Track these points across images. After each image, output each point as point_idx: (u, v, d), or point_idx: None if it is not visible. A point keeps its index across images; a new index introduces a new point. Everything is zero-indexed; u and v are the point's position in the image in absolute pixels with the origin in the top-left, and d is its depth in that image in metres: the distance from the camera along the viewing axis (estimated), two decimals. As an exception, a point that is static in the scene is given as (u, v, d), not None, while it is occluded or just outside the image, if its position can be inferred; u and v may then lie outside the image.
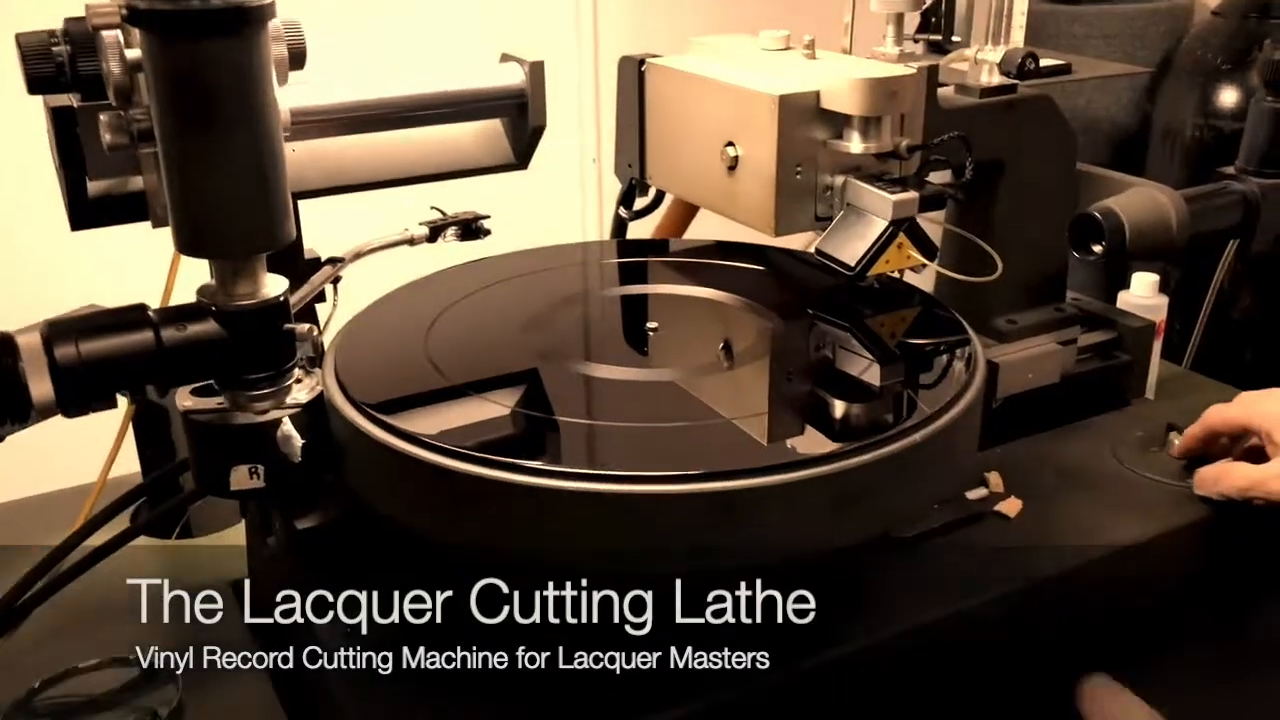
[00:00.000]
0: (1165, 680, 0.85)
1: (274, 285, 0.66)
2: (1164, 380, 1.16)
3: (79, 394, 0.61)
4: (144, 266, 0.95)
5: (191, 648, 0.89)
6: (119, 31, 0.59)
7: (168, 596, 0.96)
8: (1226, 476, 0.87)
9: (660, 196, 1.08)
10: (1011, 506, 0.90)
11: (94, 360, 0.60)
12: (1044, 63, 1.05)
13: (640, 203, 1.07)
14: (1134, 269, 1.18)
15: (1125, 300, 1.17)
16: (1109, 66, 1.18)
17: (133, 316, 0.62)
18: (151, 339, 0.62)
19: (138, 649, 0.86)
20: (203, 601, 0.95)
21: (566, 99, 2.04)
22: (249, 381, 0.66)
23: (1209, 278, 1.46)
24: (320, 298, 0.85)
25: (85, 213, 0.73)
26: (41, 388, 0.59)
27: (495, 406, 0.72)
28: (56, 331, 0.60)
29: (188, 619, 0.93)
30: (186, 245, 0.62)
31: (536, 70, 0.81)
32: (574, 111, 2.04)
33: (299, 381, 0.73)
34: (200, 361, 0.64)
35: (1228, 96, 1.76)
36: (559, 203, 2.11)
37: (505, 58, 0.83)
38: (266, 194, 0.61)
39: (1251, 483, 0.85)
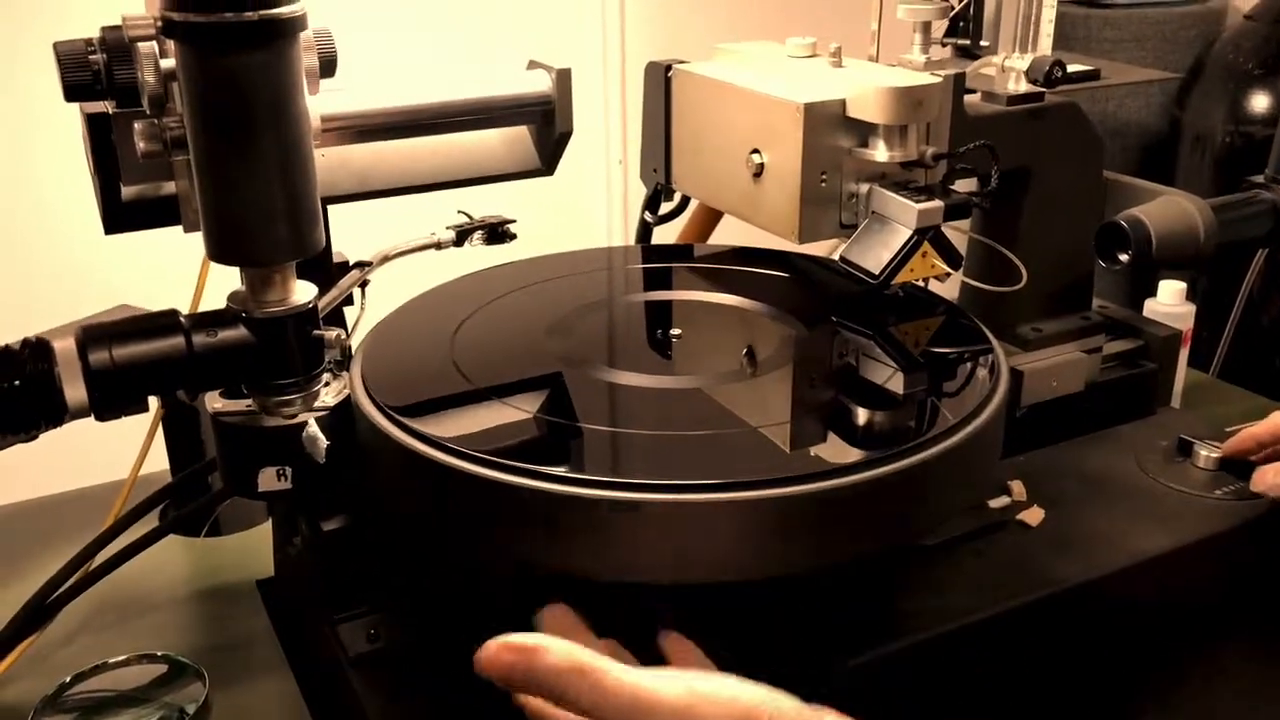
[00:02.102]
0: (1189, 692, 0.85)
1: (303, 292, 0.67)
2: (1190, 389, 1.16)
3: (112, 398, 0.62)
4: (174, 268, 0.97)
5: (218, 645, 0.90)
6: (154, 42, 0.60)
7: (196, 594, 0.98)
8: None
9: (685, 202, 1.08)
10: (1034, 515, 0.90)
11: (127, 365, 0.61)
12: (1072, 68, 1.05)
13: (665, 208, 1.08)
14: (1161, 277, 1.18)
15: (1152, 308, 1.17)
16: (1138, 72, 1.17)
17: (164, 322, 0.63)
18: (183, 344, 0.63)
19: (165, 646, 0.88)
20: (229, 599, 0.97)
21: (592, 104, 2.05)
22: (278, 386, 0.67)
23: (1237, 285, 1.45)
24: (348, 301, 0.86)
25: (119, 216, 0.74)
26: (76, 392, 0.60)
27: (518, 412, 0.73)
28: (90, 337, 0.61)
29: (215, 617, 0.95)
30: (218, 253, 0.63)
31: (563, 77, 0.82)
32: (599, 116, 2.05)
33: (326, 385, 0.74)
34: (230, 367, 0.65)
35: (1259, 102, 1.74)
36: (583, 206, 2.12)
37: (532, 65, 0.84)
38: (297, 203, 0.62)
39: None
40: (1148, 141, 1.88)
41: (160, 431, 1.04)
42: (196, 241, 0.79)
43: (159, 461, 1.05)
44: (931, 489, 0.69)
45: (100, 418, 0.62)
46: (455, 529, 0.70)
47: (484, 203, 0.93)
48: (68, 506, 1.10)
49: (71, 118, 0.72)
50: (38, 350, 0.60)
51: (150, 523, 0.95)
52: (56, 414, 0.60)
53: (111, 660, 0.87)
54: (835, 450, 0.71)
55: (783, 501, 0.63)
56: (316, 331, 0.66)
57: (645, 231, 1.09)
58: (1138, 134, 1.84)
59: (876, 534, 0.69)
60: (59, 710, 0.83)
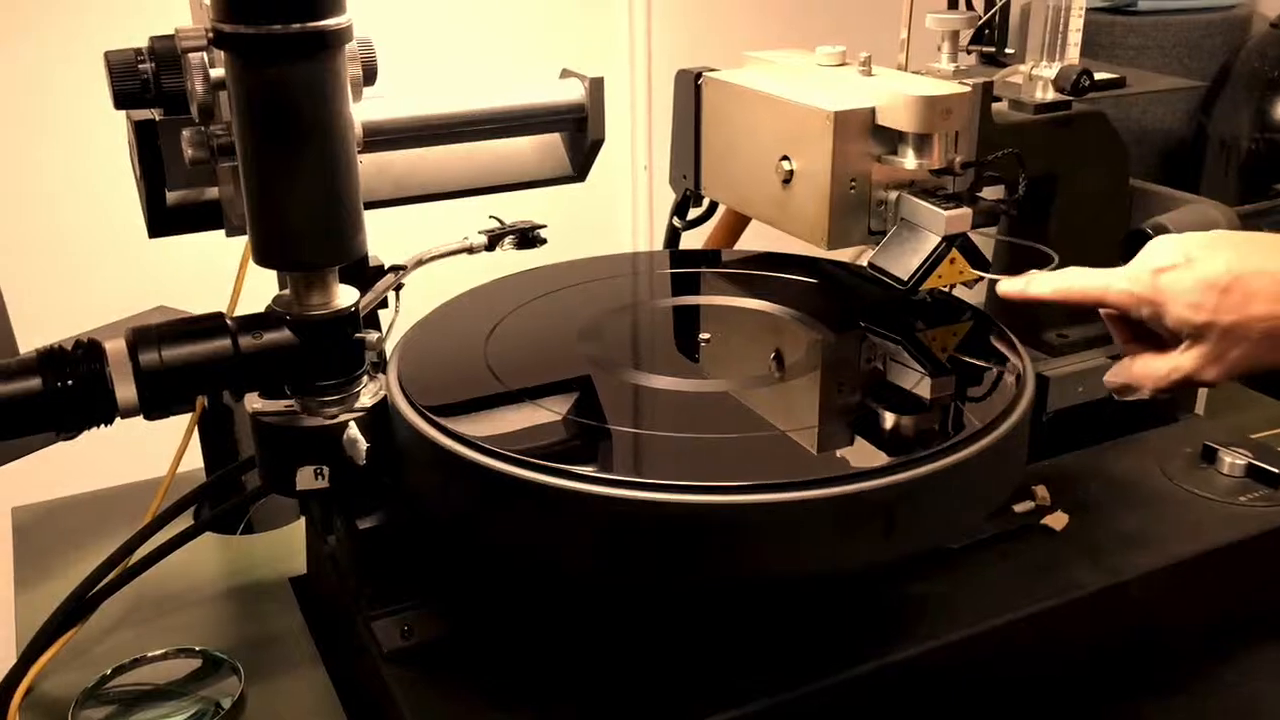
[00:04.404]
0: (1212, 697, 0.86)
1: (346, 296, 0.68)
2: (1214, 395, 1.16)
3: (161, 397, 0.63)
4: (210, 271, 0.98)
5: (252, 640, 0.92)
6: (204, 53, 0.62)
7: (230, 591, 0.99)
8: (1154, 371, 0.74)
9: (713, 207, 1.09)
10: (1058, 520, 0.91)
11: (176, 366, 0.63)
12: (1098, 76, 1.05)
13: (693, 213, 1.09)
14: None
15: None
16: (1163, 80, 1.18)
17: (212, 324, 0.65)
18: (229, 346, 0.64)
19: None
20: (263, 596, 0.98)
21: (619, 110, 2.06)
22: (319, 388, 0.69)
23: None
24: (383, 304, 0.88)
25: (163, 220, 0.75)
26: (126, 391, 0.62)
27: (549, 413, 0.74)
28: (141, 338, 0.63)
29: (249, 613, 0.97)
30: (264, 258, 0.64)
31: (596, 86, 0.83)
32: (626, 122, 2.06)
33: (363, 386, 0.75)
34: (274, 368, 0.67)
35: (1286, 109, 1.74)
36: (610, 212, 2.13)
37: (565, 73, 0.85)
38: (341, 209, 0.63)
39: (1183, 373, 0.72)
40: (1172, 148, 1.87)
41: (196, 431, 1.06)
42: (232, 245, 0.81)
43: (193, 459, 1.07)
44: (957, 493, 0.70)
45: (149, 417, 0.63)
46: (488, 528, 0.71)
47: (513, 209, 0.94)
48: (106, 503, 1.12)
49: (117, 126, 0.74)
50: (90, 351, 0.62)
51: (186, 520, 0.97)
52: (108, 413, 0.62)
53: (149, 654, 0.88)
54: (860, 455, 0.72)
55: (809, 505, 0.64)
56: (357, 334, 0.68)
57: (674, 236, 1.10)
58: (1162, 141, 1.84)
59: (899, 541, 0.69)
60: (100, 702, 0.84)
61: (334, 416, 0.69)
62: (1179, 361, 0.71)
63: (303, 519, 0.99)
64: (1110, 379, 0.78)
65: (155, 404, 0.63)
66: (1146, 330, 0.74)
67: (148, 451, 1.05)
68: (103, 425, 0.62)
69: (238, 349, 0.64)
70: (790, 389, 0.79)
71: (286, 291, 0.67)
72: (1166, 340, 0.73)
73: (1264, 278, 0.66)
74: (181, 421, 1.00)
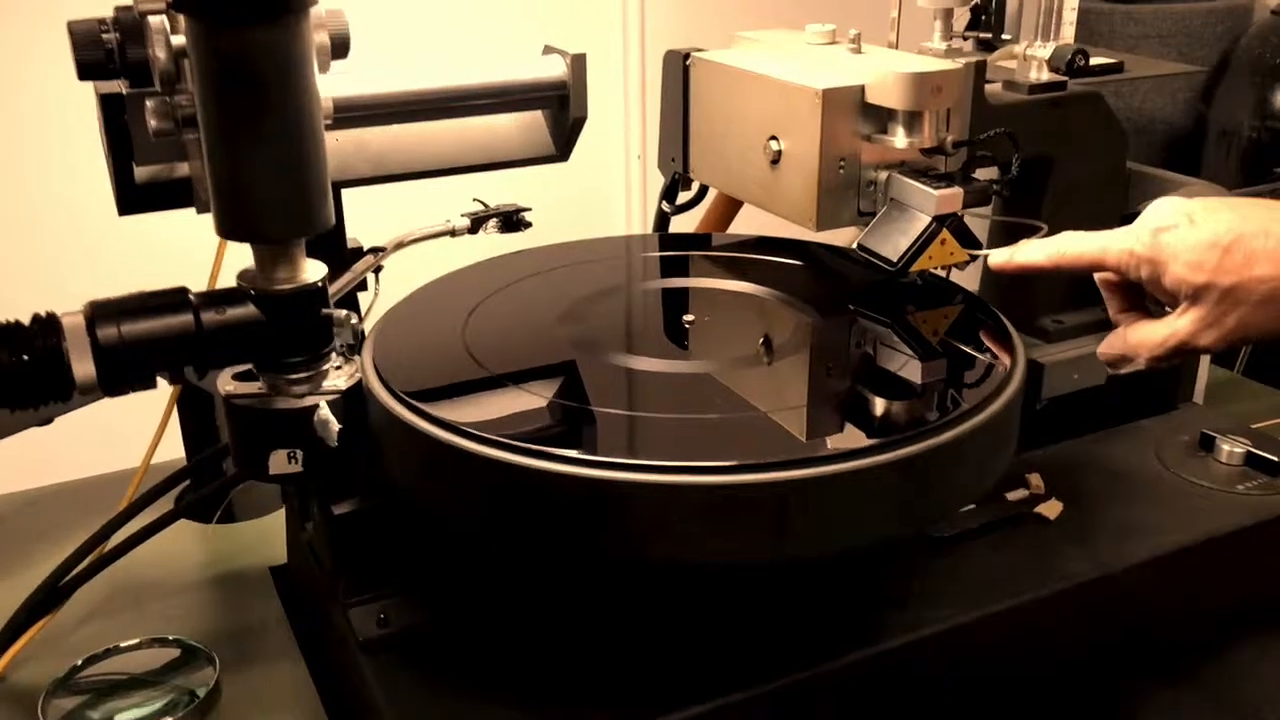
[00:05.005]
0: (1209, 688, 0.84)
1: (313, 270, 0.66)
2: (1215, 385, 1.14)
3: (120, 374, 0.61)
4: (189, 254, 0.97)
5: (230, 630, 0.90)
6: (165, 18, 0.60)
7: (209, 580, 0.98)
8: (1150, 338, 0.71)
9: (703, 192, 1.07)
10: (1052, 509, 0.89)
11: (135, 341, 0.61)
12: (1096, 61, 1.03)
13: (683, 197, 1.07)
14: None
15: (1176, 303, 1.15)
16: (1162, 65, 1.16)
17: (173, 299, 0.63)
18: (191, 321, 0.62)
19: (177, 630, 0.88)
20: (242, 585, 0.97)
21: (612, 94, 2.04)
22: (287, 365, 0.67)
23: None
24: (362, 286, 0.86)
25: (132, 198, 0.74)
26: (84, 367, 0.60)
27: (527, 395, 0.72)
28: (99, 312, 0.61)
29: (228, 602, 0.95)
30: (226, 229, 0.62)
31: (578, 62, 0.81)
32: (619, 107, 2.05)
33: (338, 368, 0.73)
34: (239, 345, 0.65)
35: (1287, 97, 1.72)
36: (603, 198, 2.11)
37: (548, 50, 0.84)
38: (305, 179, 0.62)
39: (1180, 338, 0.69)
40: (1173, 137, 1.85)
41: (176, 419, 1.05)
42: (210, 228, 0.79)
43: (177, 450, 1.05)
44: (942, 478, 0.68)
45: (109, 393, 0.62)
46: (465, 511, 0.69)
47: (502, 195, 0.92)
48: (86, 493, 1.10)
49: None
50: (46, 325, 0.60)
51: (165, 507, 0.95)
52: (65, 390, 0.60)
53: (123, 644, 0.87)
54: (850, 436, 0.70)
55: (795, 485, 0.62)
56: (326, 310, 0.66)
57: (663, 221, 1.09)
58: (1163, 130, 1.82)
59: (895, 518, 0.67)
60: (70, 692, 0.83)
61: (304, 396, 0.68)
62: (1176, 325, 0.69)
63: (284, 508, 0.97)
64: (1104, 350, 0.76)
65: (114, 380, 0.61)
66: (1142, 299, 0.72)
67: (130, 442, 1.04)
68: (61, 402, 0.60)
69: (200, 325, 0.62)
70: (776, 371, 0.77)
71: (252, 266, 0.65)
72: (1163, 307, 0.71)
73: (1267, 239, 0.64)
74: (161, 409, 0.99)
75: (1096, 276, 0.75)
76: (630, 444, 0.69)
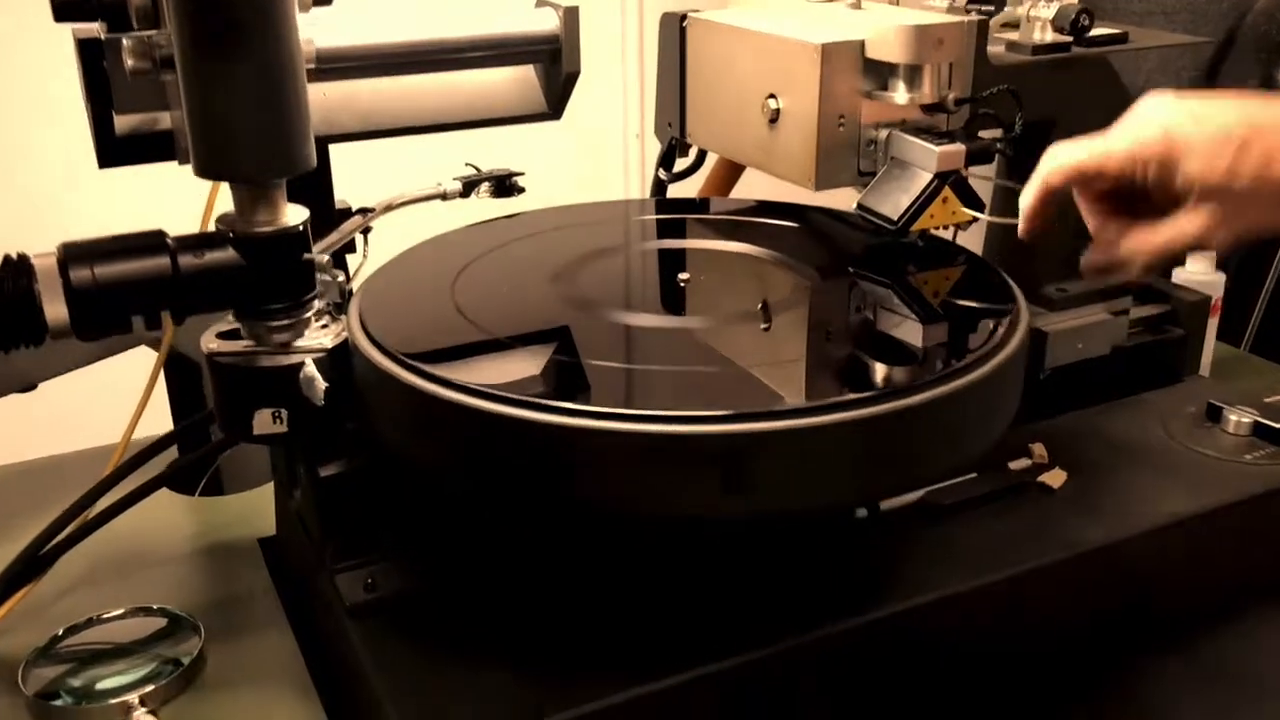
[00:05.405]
0: (1213, 659, 0.82)
1: (294, 214, 0.64)
2: (1220, 362, 1.13)
3: (94, 318, 0.59)
4: (178, 211, 0.95)
5: (217, 600, 0.88)
6: (141, -50, 0.58)
7: (196, 552, 0.96)
8: (1149, 242, 0.68)
9: (701, 159, 1.06)
10: (1056, 478, 0.87)
11: (109, 284, 0.59)
12: (1100, 32, 1.02)
13: (681, 164, 1.05)
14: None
15: (1180, 277, 1.14)
16: (1166, 36, 1.14)
17: (150, 241, 0.61)
18: (168, 264, 0.60)
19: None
20: (230, 557, 0.95)
21: (612, 71, 2.02)
22: (267, 312, 0.65)
23: (1269, 260, 1.41)
24: (351, 249, 0.84)
25: (113, 150, 0.72)
26: (56, 310, 0.58)
27: (509, 348, 0.71)
28: (72, 254, 0.59)
29: (215, 573, 0.93)
30: (204, 167, 0.60)
31: (571, 15, 0.79)
32: (619, 89, 2.02)
33: (324, 327, 0.72)
34: (217, 289, 0.63)
35: (1294, 73, 1.69)
36: (604, 173, 2.09)
37: (541, 2, 0.82)
38: (284, 118, 0.60)
39: (1187, 239, 0.66)
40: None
41: (165, 394, 1.03)
42: (199, 187, 0.77)
43: (166, 425, 1.03)
44: (913, 440, 0.65)
45: (82, 337, 0.60)
46: (427, 453, 0.68)
47: (500, 161, 0.91)
48: (66, 468, 1.08)
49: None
50: (17, 267, 0.59)
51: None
52: (37, 333, 0.58)
53: (106, 613, 0.85)
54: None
55: (783, 435, 0.60)
56: (307, 255, 0.64)
57: (660, 189, 1.07)
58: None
59: (878, 478, 0.66)
60: (50, 661, 0.81)
61: (288, 345, 0.66)
62: (1184, 226, 0.65)
63: (274, 480, 0.95)
64: (1090, 259, 0.71)
65: (88, 324, 0.59)
66: (1131, 205, 0.68)
67: (116, 418, 1.02)
68: (33, 345, 0.59)
69: (178, 268, 0.60)
70: (767, 328, 0.75)
71: (232, 210, 0.63)
72: (1155, 210, 0.67)
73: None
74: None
75: (1076, 191, 0.70)
76: (596, 394, 0.67)
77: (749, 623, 0.70)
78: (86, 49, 0.67)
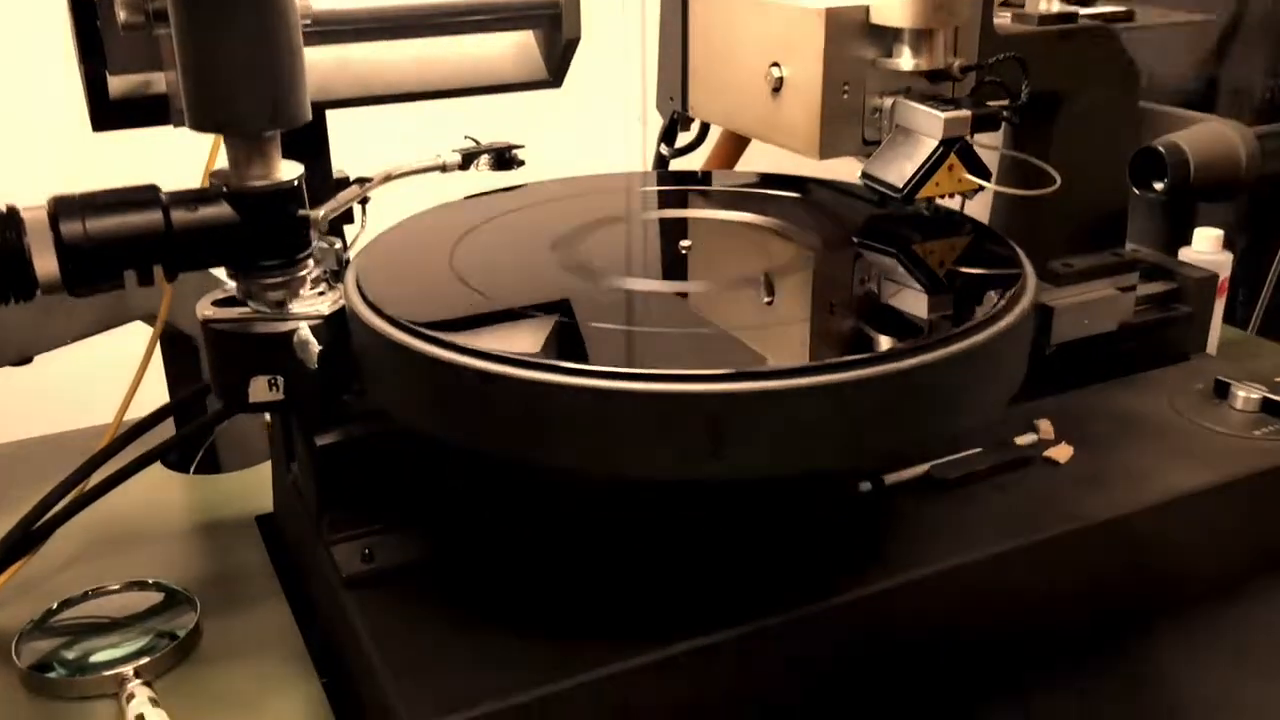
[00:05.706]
0: (1223, 632, 0.81)
1: (288, 170, 0.63)
2: (1227, 343, 1.11)
3: (85, 272, 0.58)
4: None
5: (214, 576, 0.87)
6: (133, -103, 0.57)
7: (193, 528, 0.95)
8: None
9: (703, 135, 1.04)
10: (1062, 453, 0.86)
11: (101, 238, 0.58)
12: (1106, 9, 1.01)
13: (683, 139, 1.04)
14: (1198, 223, 1.13)
15: (1187, 256, 1.12)
16: (1171, 15, 1.13)
17: (143, 196, 0.60)
18: (160, 219, 0.59)
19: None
20: (228, 534, 0.94)
21: (614, 60, 2.00)
22: (261, 269, 0.64)
23: (1277, 241, 1.40)
24: (349, 219, 0.83)
25: (107, 113, 0.71)
26: (47, 264, 0.57)
27: (505, 310, 0.70)
28: (63, 207, 0.58)
29: (212, 550, 0.92)
30: (197, 120, 0.59)
31: (572, -20, 0.79)
32: (622, 75, 2.01)
33: (322, 294, 0.71)
34: (211, 244, 0.62)
35: (1301, 52, 1.68)
36: (605, 149, 2.07)
37: (541, -32, 0.81)
38: (278, 69, 0.59)
39: None
40: (1185, 98, 1.82)
41: (162, 373, 1.02)
42: (195, 144, 0.76)
43: (161, 403, 1.02)
44: (900, 408, 0.64)
45: (73, 292, 0.59)
46: (437, 419, 0.67)
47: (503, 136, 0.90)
48: (63, 445, 1.07)
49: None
50: (6, 220, 0.57)
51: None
52: (27, 288, 0.57)
53: (102, 587, 0.84)
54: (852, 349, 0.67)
55: (780, 395, 0.59)
56: (302, 211, 0.63)
57: (661, 165, 1.05)
58: (1174, 89, 1.79)
59: (880, 440, 0.64)
60: (45, 634, 0.80)
61: (282, 304, 0.65)
62: None
63: (271, 457, 0.94)
64: None
65: (79, 278, 0.58)
66: None
67: (114, 395, 1.01)
68: (21, 300, 0.57)
69: (170, 223, 0.59)
70: (742, 294, 0.75)
71: (226, 166, 0.62)
72: None
73: None
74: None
75: None
76: (592, 355, 0.66)
77: (753, 593, 0.69)
78: (79, 7, 0.66)
